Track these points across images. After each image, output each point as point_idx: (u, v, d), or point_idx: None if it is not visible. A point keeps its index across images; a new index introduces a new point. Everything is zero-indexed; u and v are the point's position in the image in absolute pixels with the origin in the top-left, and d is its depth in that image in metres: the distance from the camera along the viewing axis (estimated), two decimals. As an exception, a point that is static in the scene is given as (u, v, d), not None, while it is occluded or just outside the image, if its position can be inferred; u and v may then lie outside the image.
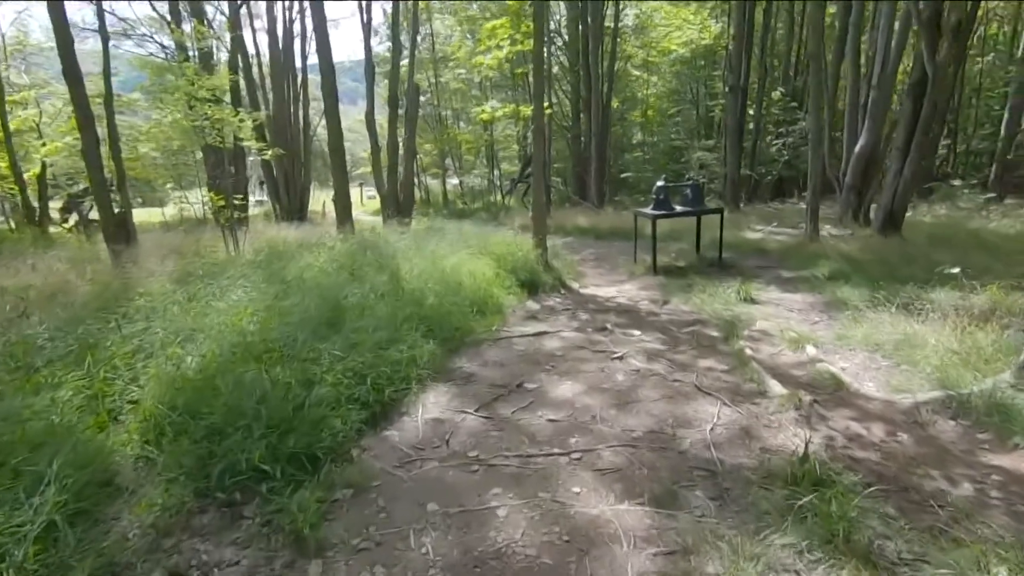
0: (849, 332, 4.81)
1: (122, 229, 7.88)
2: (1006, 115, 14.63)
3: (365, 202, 24.95)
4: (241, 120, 8.75)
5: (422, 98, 22.49)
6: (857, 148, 10.61)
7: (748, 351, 4.44)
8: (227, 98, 14.92)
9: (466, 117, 25.57)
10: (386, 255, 6.59)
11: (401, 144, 10.16)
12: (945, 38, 8.13)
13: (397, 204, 10.25)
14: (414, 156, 10.18)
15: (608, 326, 5.36)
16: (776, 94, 19.11)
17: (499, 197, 20.90)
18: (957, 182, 14.56)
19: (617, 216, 14.65)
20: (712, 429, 3.26)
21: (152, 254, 7.26)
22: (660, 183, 7.53)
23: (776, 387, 3.72)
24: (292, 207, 15.79)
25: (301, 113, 16.94)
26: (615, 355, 4.54)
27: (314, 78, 15.47)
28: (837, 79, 13.38)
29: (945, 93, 8.63)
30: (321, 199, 19.78)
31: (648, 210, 7.57)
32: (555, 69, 21.50)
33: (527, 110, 8.94)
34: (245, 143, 9.27)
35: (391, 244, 7.37)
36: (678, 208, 7.61)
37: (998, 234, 9.35)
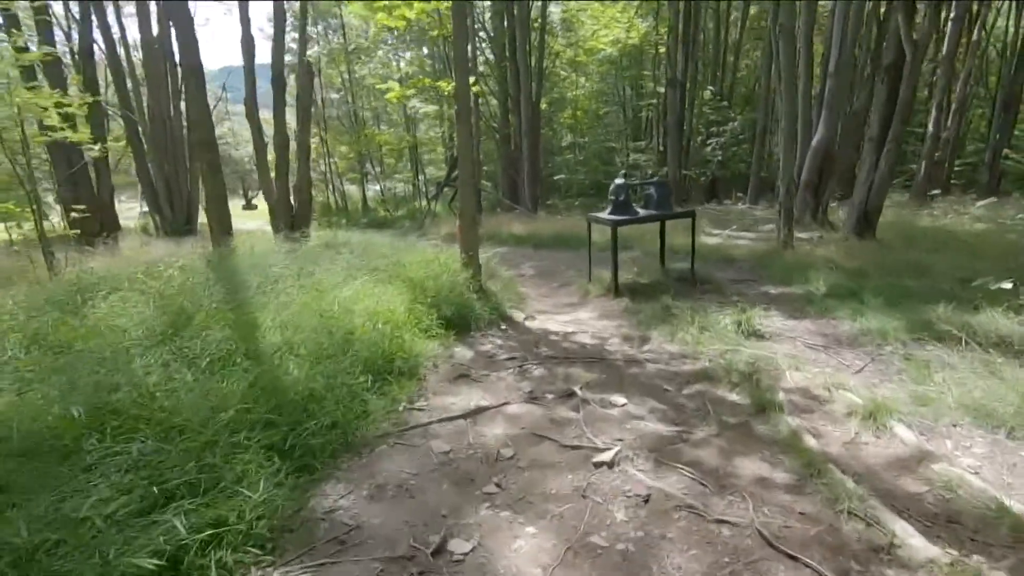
0: (928, 389, 3.20)
1: None
2: (933, 112, 14.17)
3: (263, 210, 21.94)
4: (58, 103, 6.24)
5: (335, 96, 20.01)
6: (813, 142, 9.41)
7: (809, 439, 2.71)
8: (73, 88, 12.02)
9: (387, 118, 23.24)
10: (249, 289, 4.44)
11: (292, 138, 7.96)
12: (923, 12, 6.94)
13: (290, 213, 8.03)
14: (309, 154, 7.97)
15: (576, 390, 3.50)
16: (707, 93, 18.18)
17: (425, 203, 18.76)
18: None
19: (555, 222, 12.95)
20: None
21: None
22: (619, 181, 5.81)
23: (914, 538, 1.98)
24: (177, 219, 12.99)
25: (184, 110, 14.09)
26: (599, 457, 2.69)
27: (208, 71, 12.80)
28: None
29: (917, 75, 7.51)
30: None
31: (606, 215, 5.83)
32: (480, 67, 19.68)
33: (448, 85, 7.02)
34: (59, 134, 6.73)
35: (266, 269, 5.20)
36: (642, 212, 5.92)
37: (970, 232, 8.35)
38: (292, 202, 8.13)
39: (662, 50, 20.91)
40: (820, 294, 5.53)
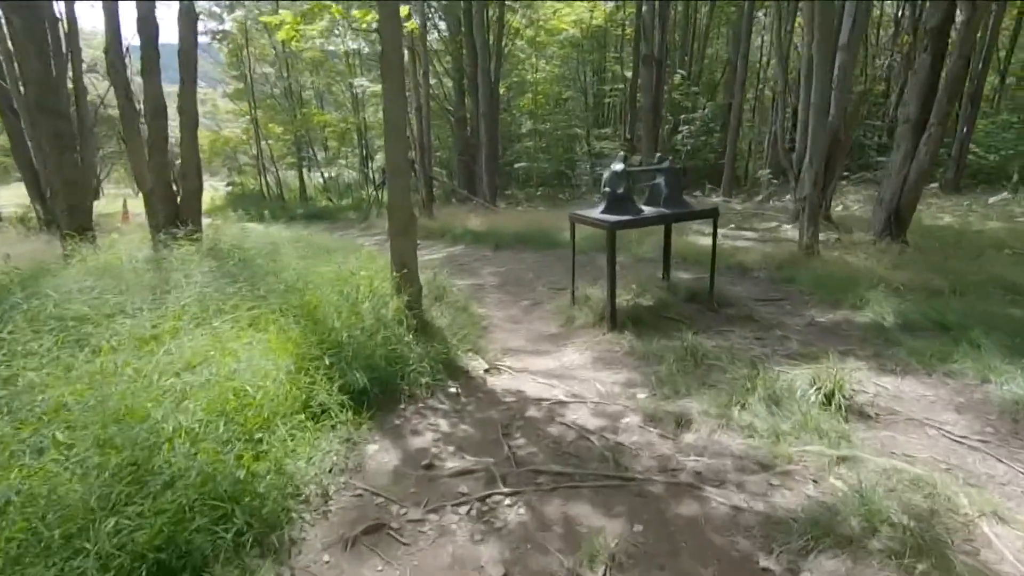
0: None
1: None
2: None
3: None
4: None
5: (269, 70, 17.38)
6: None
7: None
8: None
9: (332, 98, 20.68)
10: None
11: (174, 105, 5.75)
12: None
13: (172, 205, 5.87)
14: (196, 126, 5.77)
15: (595, 584, 1.68)
16: (677, 77, 16.60)
17: (372, 192, 16.50)
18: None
19: (517, 216, 11.09)
20: None
21: None
22: (617, 167, 4.00)
23: None
24: (73, 210, 10.36)
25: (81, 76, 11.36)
26: None
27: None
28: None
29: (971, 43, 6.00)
30: (123, 198, 14.11)
31: (598, 214, 4.00)
32: (432, 43, 17.46)
33: (366, 16, 4.94)
34: None
35: (71, 300, 3.14)
36: (647, 210, 4.12)
37: (999, 231, 6.99)
38: (175, 190, 5.97)
39: (629, 31, 19.28)
40: (892, 325, 3.91)
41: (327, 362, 2.77)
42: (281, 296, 3.51)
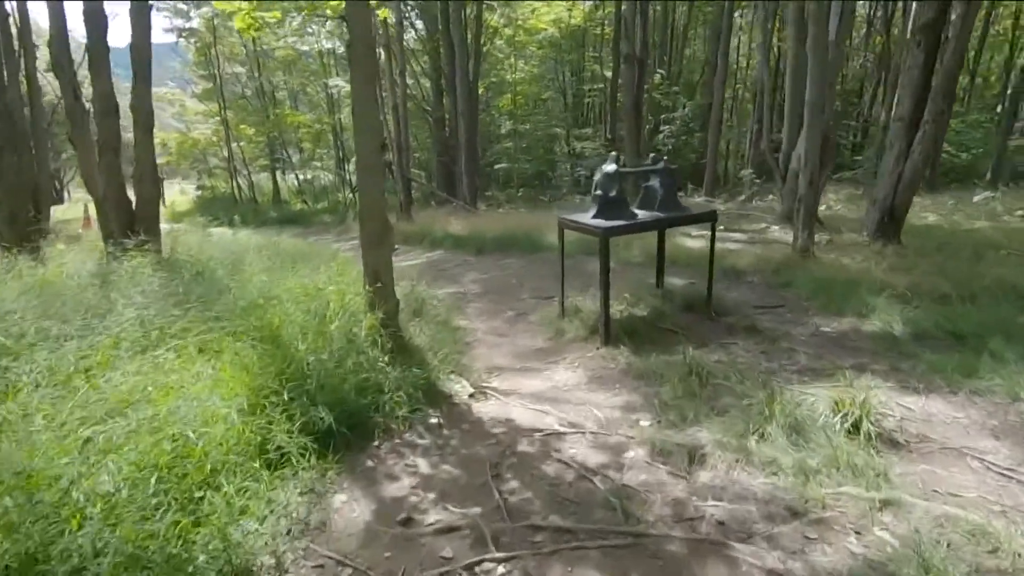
0: None
1: None
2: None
3: (168, 202, 17.95)
4: None
5: (240, 69, 16.74)
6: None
7: None
8: None
9: (306, 99, 20.06)
10: None
11: (126, 102, 5.27)
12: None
13: (127, 213, 5.38)
14: (151, 127, 5.28)
15: None
16: (657, 77, 16.43)
17: (349, 194, 15.98)
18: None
19: (498, 218, 10.74)
20: None
21: None
22: (609, 167, 3.67)
23: None
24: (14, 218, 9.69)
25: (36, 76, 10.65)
26: None
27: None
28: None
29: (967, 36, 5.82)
30: (84, 203, 13.33)
31: (590, 219, 3.67)
32: (409, 42, 17.01)
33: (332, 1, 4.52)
34: None
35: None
36: (641, 214, 3.81)
37: (990, 231, 6.86)
38: (130, 196, 5.47)
39: (608, 30, 19.08)
40: (902, 334, 3.66)
41: (287, 396, 2.38)
42: (240, 315, 3.11)
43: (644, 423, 2.71)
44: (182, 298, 3.37)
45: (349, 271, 4.13)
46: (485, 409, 2.94)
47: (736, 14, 16.46)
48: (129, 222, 5.48)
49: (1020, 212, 7.88)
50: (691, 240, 7.08)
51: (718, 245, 6.79)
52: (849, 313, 4.12)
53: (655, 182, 3.93)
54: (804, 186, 5.39)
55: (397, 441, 2.58)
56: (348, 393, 2.62)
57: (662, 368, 3.28)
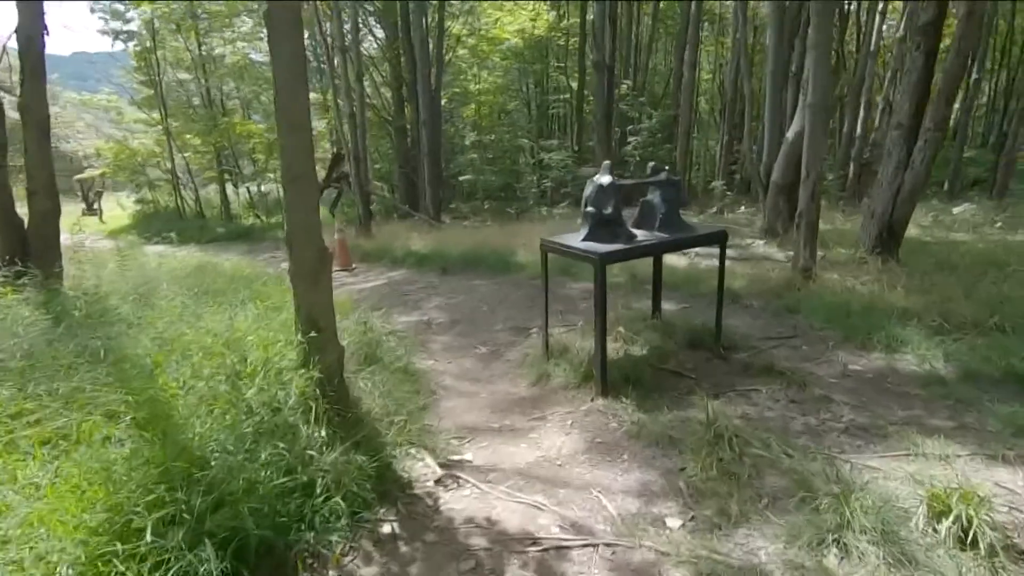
0: None
1: None
2: (861, 112, 12.95)
3: (105, 218, 16.27)
4: None
5: (186, 76, 15.51)
6: (789, 134, 7.27)
7: None
8: None
9: (260, 107, 18.87)
10: None
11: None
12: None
13: (18, 234, 4.36)
14: (47, 129, 4.33)
15: None
16: (624, 87, 16.06)
17: (305, 208, 14.88)
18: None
19: (464, 233, 10.00)
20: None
21: None
22: (604, 180, 2.99)
23: None
24: None
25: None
26: None
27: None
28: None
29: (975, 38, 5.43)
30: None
31: (582, 242, 2.97)
32: (368, 50, 16.16)
33: None
34: None
35: None
36: (641, 235, 3.14)
37: (982, 244, 6.52)
38: (18, 217, 4.45)
39: (572, 40, 18.72)
40: (949, 375, 3.08)
41: (163, 520, 1.56)
42: (119, 382, 2.26)
43: (673, 522, 1.99)
44: (49, 355, 2.49)
45: (286, 305, 3.31)
46: (457, 504, 2.17)
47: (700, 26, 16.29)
48: (19, 244, 4.49)
49: (999, 224, 7.64)
50: (672, 257, 6.47)
51: (705, 263, 6.31)
52: (875, 347, 3.54)
53: (655, 196, 3.26)
54: (805, 200, 4.85)
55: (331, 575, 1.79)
56: (262, 504, 1.81)
57: (677, 428, 2.60)
